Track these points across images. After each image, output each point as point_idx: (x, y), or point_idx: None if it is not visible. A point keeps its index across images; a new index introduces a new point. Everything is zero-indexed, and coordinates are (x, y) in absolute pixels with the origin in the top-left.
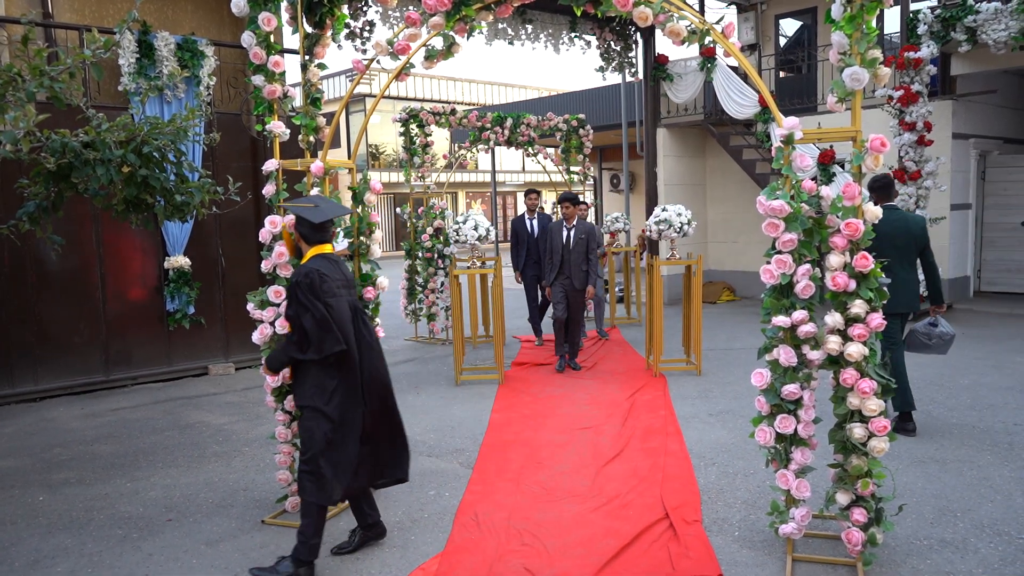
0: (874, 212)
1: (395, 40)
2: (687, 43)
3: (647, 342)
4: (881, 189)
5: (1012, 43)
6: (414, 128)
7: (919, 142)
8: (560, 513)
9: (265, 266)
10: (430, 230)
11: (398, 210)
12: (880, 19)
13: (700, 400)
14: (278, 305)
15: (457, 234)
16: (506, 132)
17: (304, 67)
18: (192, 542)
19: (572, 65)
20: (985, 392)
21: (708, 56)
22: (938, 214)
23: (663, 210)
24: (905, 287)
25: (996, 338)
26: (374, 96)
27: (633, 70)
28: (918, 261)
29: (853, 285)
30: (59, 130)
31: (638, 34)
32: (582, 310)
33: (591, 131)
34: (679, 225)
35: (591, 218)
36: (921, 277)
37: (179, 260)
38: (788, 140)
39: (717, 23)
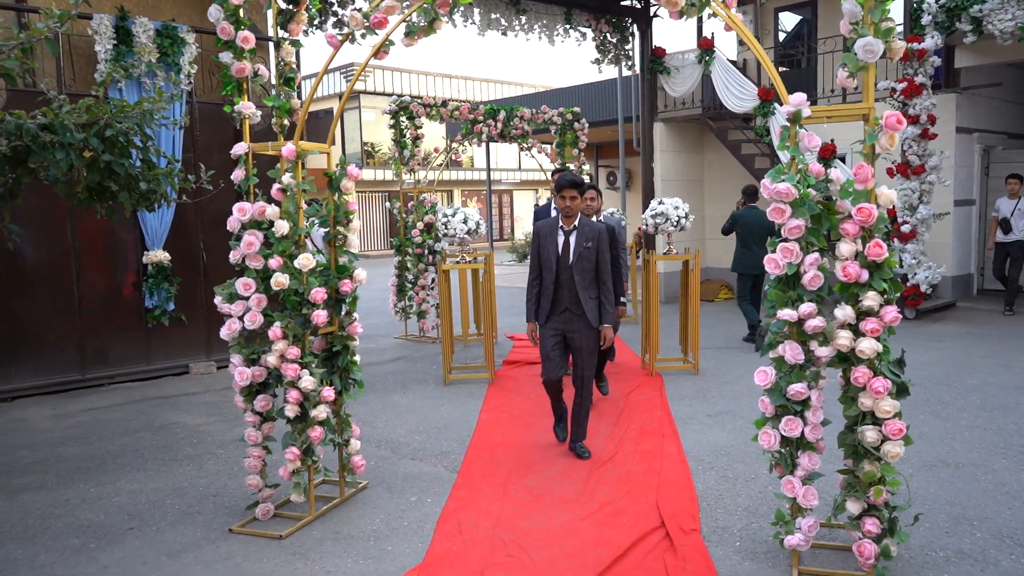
0: (888, 196)
1: (371, 14)
2: (685, 16)
3: (643, 340)
4: (752, 195)
5: (1019, 33)
6: (404, 120)
7: (923, 135)
8: (548, 521)
9: (233, 256)
10: (420, 225)
11: (388, 204)
12: None
13: (698, 400)
14: (247, 298)
15: (446, 228)
16: (499, 125)
17: (277, 45)
18: (153, 553)
19: (567, 63)
20: (995, 392)
21: (706, 48)
22: (942, 210)
23: (659, 203)
24: (760, 258)
25: (1001, 336)
26: (368, 93)
27: (630, 63)
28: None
29: (866, 276)
30: (14, 111)
31: (635, 26)
32: (593, 362)
33: (586, 125)
34: (676, 218)
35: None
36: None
37: (158, 255)
38: (795, 118)
39: None
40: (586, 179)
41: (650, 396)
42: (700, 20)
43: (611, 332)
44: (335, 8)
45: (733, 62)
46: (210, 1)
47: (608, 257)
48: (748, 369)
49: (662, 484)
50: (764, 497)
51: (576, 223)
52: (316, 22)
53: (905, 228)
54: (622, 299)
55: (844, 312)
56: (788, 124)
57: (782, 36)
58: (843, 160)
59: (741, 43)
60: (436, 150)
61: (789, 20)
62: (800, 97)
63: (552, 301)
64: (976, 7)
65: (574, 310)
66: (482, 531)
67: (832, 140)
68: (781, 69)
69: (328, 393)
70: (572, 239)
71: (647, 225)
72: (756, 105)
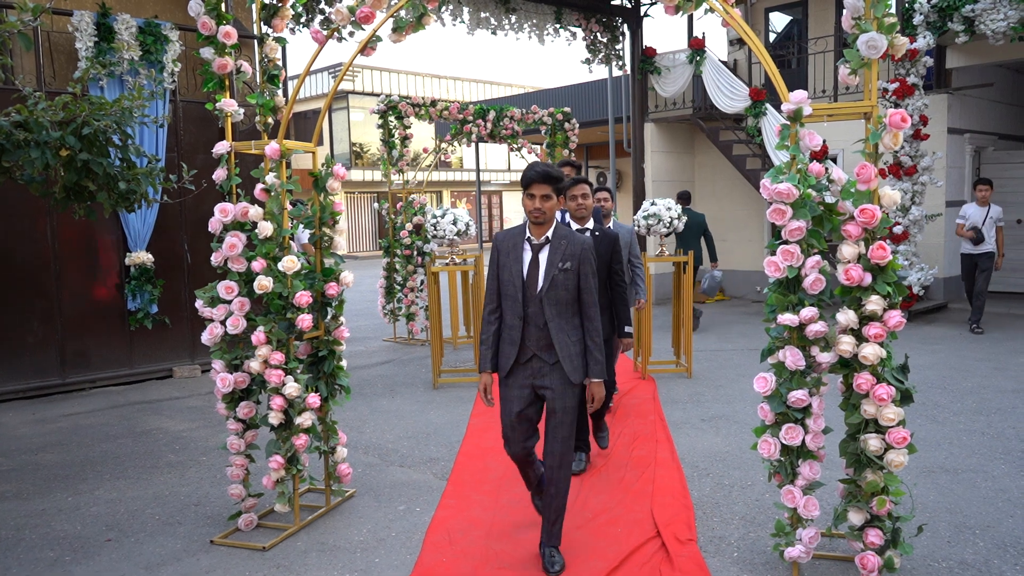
0: (892, 197)
1: (357, 8)
2: (681, 11)
3: (635, 342)
4: (687, 199)
5: (1011, 34)
6: (392, 120)
7: (915, 136)
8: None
9: (215, 259)
10: (409, 226)
11: (376, 205)
12: None
13: (691, 404)
14: (230, 302)
15: (435, 229)
16: (489, 125)
17: (260, 41)
18: (131, 566)
19: (557, 63)
20: (991, 395)
21: (697, 48)
22: (934, 211)
23: (651, 204)
24: (696, 252)
25: (994, 339)
26: (357, 93)
27: (620, 63)
28: (702, 239)
29: (869, 279)
30: None
31: (625, 25)
32: (571, 433)
33: (577, 125)
34: (668, 220)
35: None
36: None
37: (141, 256)
38: (796, 116)
39: None
40: None
41: (643, 400)
42: (691, 19)
43: (602, 390)
44: (322, 6)
45: (724, 62)
46: None
47: (592, 283)
48: (742, 372)
49: (657, 491)
50: (761, 505)
51: (550, 234)
52: (302, 20)
53: (897, 229)
54: (627, 328)
55: (846, 316)
56: (788, 122)
57: (772, 36)
58: (834, 161)
59: (732, 43)
60: (425, 150)
61: (779, 20)
62: (801, 94)
63: (518, 344)
64: (968, 7)
65: (545, 357)
66: (473, 541)
67: (824, 141)
68: None
69: (313, 400)
70: (543, 257)
71: (639, 227)
72: (747, 106)
